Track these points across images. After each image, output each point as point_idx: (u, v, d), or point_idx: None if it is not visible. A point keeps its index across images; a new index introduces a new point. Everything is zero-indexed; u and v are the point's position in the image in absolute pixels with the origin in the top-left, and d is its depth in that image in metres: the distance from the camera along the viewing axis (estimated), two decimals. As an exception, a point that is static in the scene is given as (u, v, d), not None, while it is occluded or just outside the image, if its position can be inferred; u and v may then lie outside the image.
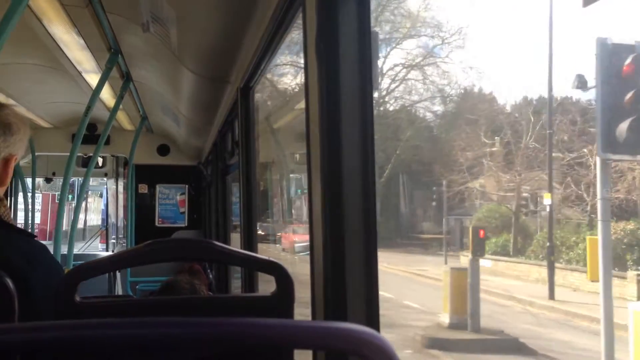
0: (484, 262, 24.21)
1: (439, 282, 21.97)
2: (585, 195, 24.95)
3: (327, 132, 1.44)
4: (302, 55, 1.61)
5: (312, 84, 1.52)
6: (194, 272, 3.81)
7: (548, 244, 19.98)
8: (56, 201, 17.18)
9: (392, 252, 28.95)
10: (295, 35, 2.17)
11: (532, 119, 28.21)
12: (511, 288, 20.15)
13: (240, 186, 3.41)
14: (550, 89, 21.51)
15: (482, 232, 15.83)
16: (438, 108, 37.90)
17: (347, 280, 1.40)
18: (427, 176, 33.24)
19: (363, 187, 1.43)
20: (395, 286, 20.04)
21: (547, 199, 20.89)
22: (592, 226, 22.78)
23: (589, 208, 24.41)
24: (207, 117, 4.96)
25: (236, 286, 5.24)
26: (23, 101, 5.52)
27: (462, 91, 36.31)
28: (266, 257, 1.52)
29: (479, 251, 15.28)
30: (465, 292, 13.57)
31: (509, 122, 30.17)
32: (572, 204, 26.28)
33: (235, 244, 4.51)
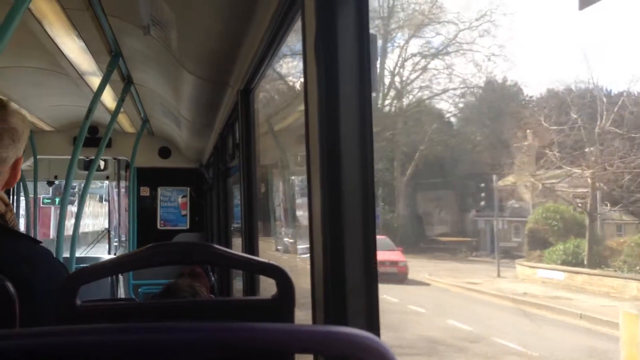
0: (554, 274, 19.73)
1: (502, 300, 17.73)
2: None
3: (326, 134, 1.44)
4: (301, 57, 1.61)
5: (311, 86, 1.52)
6: (195, 275, 3.80)
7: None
8: (41, 205, 17.09)
9: (419, 259, 26.05)
10: (294, 36, 2.17)
11: (604, 100, 23.60)
12: (611, 312, 14.27)
13: (241, 188, 3.40)
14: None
15: None
16: (470, 98, 33.91)
17: (348, 283, 1.40)
18: (443, 176, 30.73)
19: (362, 189, 1.43)
20: (458, 309, 16.40)
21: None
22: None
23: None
24: (208, 120, 4.96)
25: (238, 289, 5.24)
26: (24, 104, 5.53)
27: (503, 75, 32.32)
28: (267, 260, 1.52)
29: None
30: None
31: (578, 104, 24.60)
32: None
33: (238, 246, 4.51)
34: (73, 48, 3.77)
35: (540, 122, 24.94)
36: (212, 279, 5.68)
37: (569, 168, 24.00)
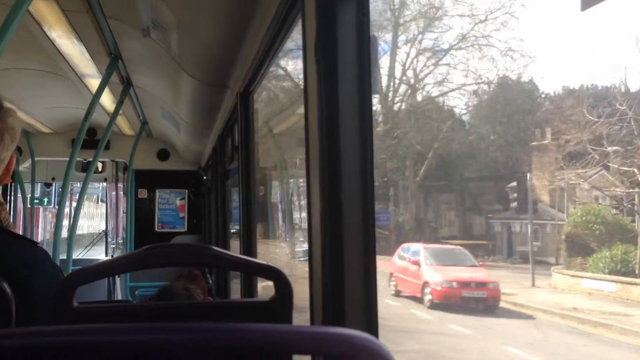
0: (603, 285, 17.57)
1: (550, 315, 15.03)
2: None
3: (326, 137, 1.44)
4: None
5: (311, 89, 1.53)
6: (193, 277, 3.80)
7: None
8: (28, 205, 16.98)
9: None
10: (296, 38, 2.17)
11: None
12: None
13: (240, 191, 3.41)
14: None
15: None
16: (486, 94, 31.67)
17: (346, 286, 1.40)
18: (459, 176, 29.17)
19: (362, 192, 1.43)
20: (506, 329, 13.50)
21: None
22: None
23: None
24: (207, 122, 4.96)
25: (236, 290, 5.23)
26: (23, 106, 5.52)
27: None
28: (265, 262, 1.52)
29: None
30: None
31: (627, 95, 21.51)
32: None
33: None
34: (72, 50, 3.77)
35: (583, 114, 22.19)
36: (210, 281, 5.67)
37: (616, 166, 21.49)
